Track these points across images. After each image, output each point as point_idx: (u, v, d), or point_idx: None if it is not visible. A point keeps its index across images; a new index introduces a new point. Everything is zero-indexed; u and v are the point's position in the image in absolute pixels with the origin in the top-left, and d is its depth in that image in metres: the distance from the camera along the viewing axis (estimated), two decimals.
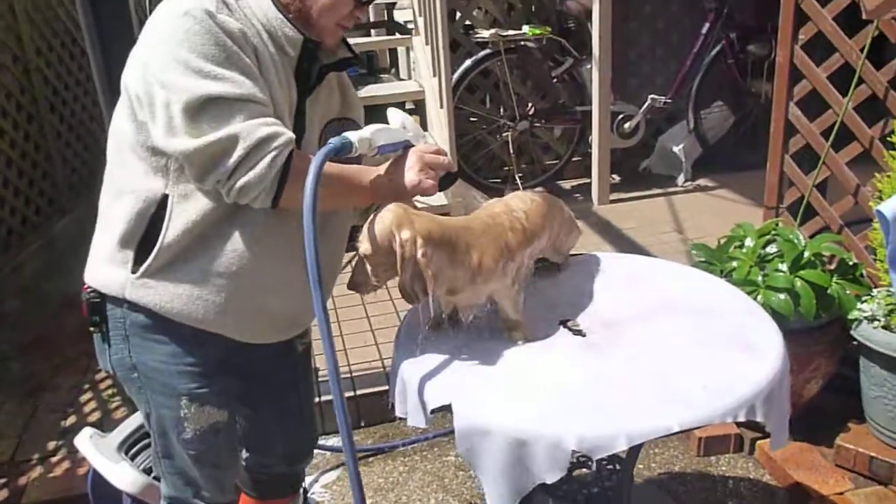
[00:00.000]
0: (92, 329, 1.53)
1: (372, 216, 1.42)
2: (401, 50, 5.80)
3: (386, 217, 1.39)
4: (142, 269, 1.42)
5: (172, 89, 1.29)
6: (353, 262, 1.46)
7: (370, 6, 1.54)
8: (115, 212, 1.44)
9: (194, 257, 1.41)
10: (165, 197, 1.39)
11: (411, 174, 1.44)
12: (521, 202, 1.62)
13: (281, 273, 1.48)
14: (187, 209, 1.39)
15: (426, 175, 1.44)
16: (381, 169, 1.49)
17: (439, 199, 2.99)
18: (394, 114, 1.50)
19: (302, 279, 1.47)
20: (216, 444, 1.58)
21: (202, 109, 1.29)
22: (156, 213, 1.40)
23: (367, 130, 1.40)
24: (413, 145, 1.48)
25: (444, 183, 1.50)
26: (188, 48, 1.29)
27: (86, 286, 1.52)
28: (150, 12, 1.40)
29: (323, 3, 1.42)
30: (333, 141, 1.34)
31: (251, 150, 1.30)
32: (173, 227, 1.39)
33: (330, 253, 1.58)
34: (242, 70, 1.32)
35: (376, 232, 1.39)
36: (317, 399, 2.76)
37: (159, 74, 1.31)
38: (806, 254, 2.36)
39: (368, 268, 1.42)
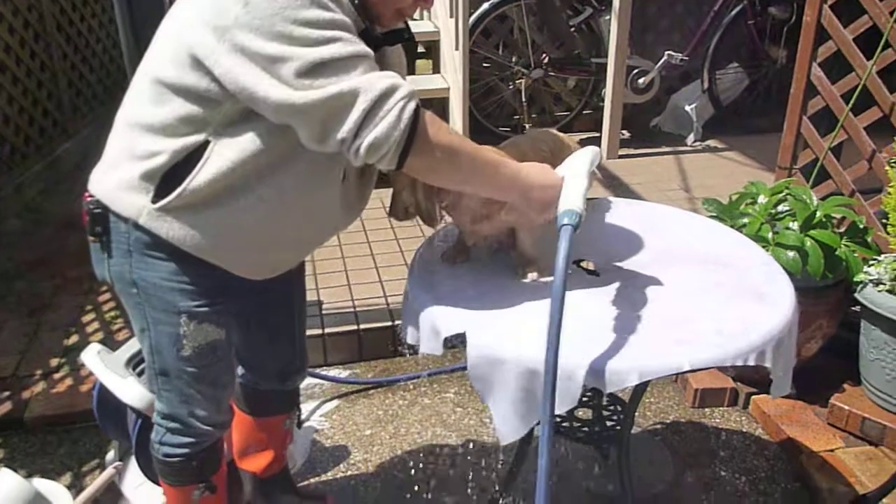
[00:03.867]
0: (91, 238, 1.50)
1: None
2: None
3: None
4: (162, 202, 1.39)
5: (283, 57, 1.23)
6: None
7: None
8: (145, 144, 1.39)
9: (216, 205, 1.39)
10: (204, 144, 1.35)
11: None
12: (544, 139, 1.62)
13: (299, 234, 1.49)
14: (222, 158, 1.35)
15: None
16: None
17: None
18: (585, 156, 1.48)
19: (317, 237, 1.57)
20: (214, 362, 1.59)
21: (317, 70, 1.23)
22: (189, 156, 1.35)
23: (578, 194, 1.39)
24: None
25: None
26: (289, 18, 1.22)
27: (87, 195, 1.48)
28: None
29: None
30: (570, 222, 1.34)
31: (375, 102, 1.25)
32: (204, 173, 1.35)
33: (366, 184, 1.59)
34: (346, 29, 1.27)
35: None
36: (323, 331, 2.79)
37: (254, 40, 1.23)
38: (817, 214, 2.36)
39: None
